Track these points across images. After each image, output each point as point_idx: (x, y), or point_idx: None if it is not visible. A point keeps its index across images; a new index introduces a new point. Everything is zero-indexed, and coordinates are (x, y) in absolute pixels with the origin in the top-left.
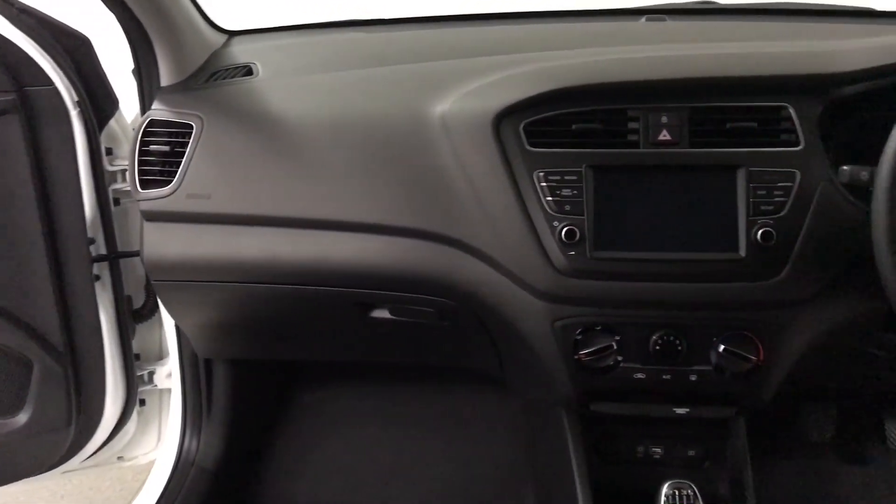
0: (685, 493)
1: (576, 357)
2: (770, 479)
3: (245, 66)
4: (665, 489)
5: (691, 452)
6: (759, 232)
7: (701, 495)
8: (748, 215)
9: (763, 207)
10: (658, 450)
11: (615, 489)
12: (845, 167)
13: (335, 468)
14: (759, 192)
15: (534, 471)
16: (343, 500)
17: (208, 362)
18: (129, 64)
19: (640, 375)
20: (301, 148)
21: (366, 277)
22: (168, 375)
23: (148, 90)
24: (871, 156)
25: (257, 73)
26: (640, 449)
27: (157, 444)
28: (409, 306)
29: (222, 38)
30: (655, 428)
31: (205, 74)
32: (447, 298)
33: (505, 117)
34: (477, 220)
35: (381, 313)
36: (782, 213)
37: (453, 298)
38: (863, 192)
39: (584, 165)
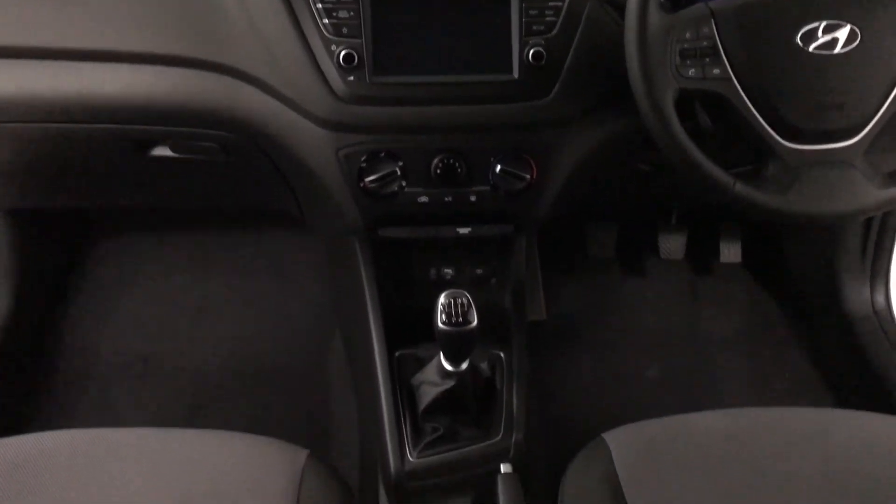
0: (459, 301)
1: (361, 185)
2: (558, 294)
3: None
4: (442, 299)
5: (479, 271)
6: (531, 52)
7: (486, 308)
8: (521, 36)
9: (535, 28)
10: (449, 270)
11: (407, 309)
12: None
13: (139, 316)
14: (532, 13)
15: (338, 305)
16: (149, 345)
17: None
18: None
19: (423, 199)
20: None
21: (138, 112)
22: None
23: None
24: None
25: None
26: (433, 271)
27: None
28: (189, 142)
29: None
30: (445, 251)
31: None
32: (227, 131)
33: None
34: (252, 45)
35: (162, 151)
36: (552, 33)
37: (234, 131)
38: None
39: None
